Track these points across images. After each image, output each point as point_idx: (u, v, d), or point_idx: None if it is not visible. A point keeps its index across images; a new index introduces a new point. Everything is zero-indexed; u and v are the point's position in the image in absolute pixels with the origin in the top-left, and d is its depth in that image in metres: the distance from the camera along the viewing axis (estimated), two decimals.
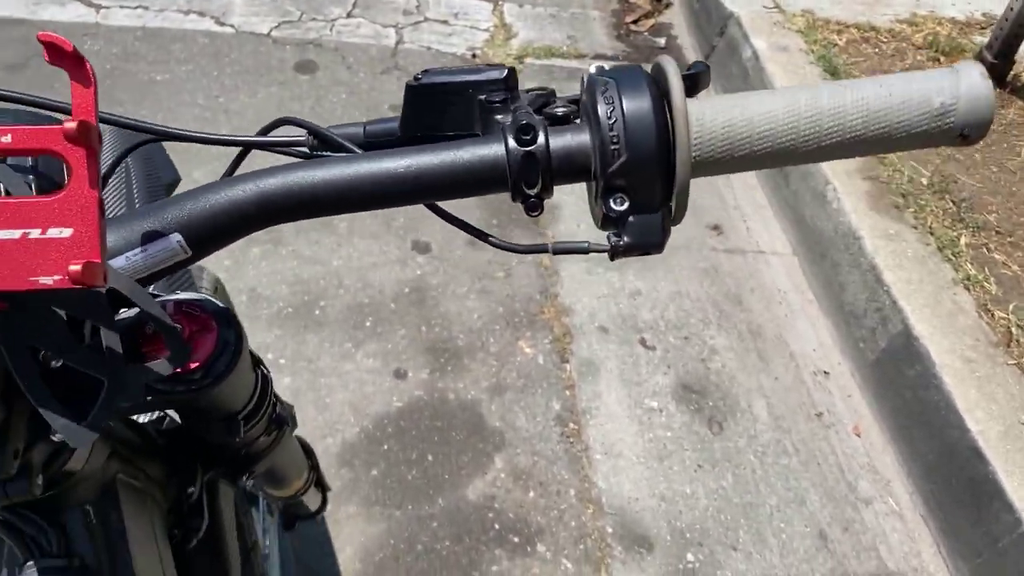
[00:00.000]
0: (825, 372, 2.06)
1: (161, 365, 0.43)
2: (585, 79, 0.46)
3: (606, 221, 0.46)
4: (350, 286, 2.15)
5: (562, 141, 0.45)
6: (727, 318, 2.17)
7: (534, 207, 0.46)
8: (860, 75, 2.70)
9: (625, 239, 0.45)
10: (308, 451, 1.11)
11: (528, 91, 0.50)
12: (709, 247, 2.37)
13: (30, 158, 0.40)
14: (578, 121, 0.47)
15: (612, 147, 0.43)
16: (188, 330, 0.54)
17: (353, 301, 2.12)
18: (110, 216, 0.41)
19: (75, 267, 0.34)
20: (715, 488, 1.80)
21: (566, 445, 1.85)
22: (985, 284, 1.96)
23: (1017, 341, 1.83)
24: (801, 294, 2.26)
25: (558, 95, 0.50)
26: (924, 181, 2.29)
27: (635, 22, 3.39)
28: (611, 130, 0.43)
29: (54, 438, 0.43)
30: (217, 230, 0.45)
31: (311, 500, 1.19)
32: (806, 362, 2.08)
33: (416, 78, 0.49)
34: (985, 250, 2.08)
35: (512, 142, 0.44)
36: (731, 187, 2.61)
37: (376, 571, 1.60)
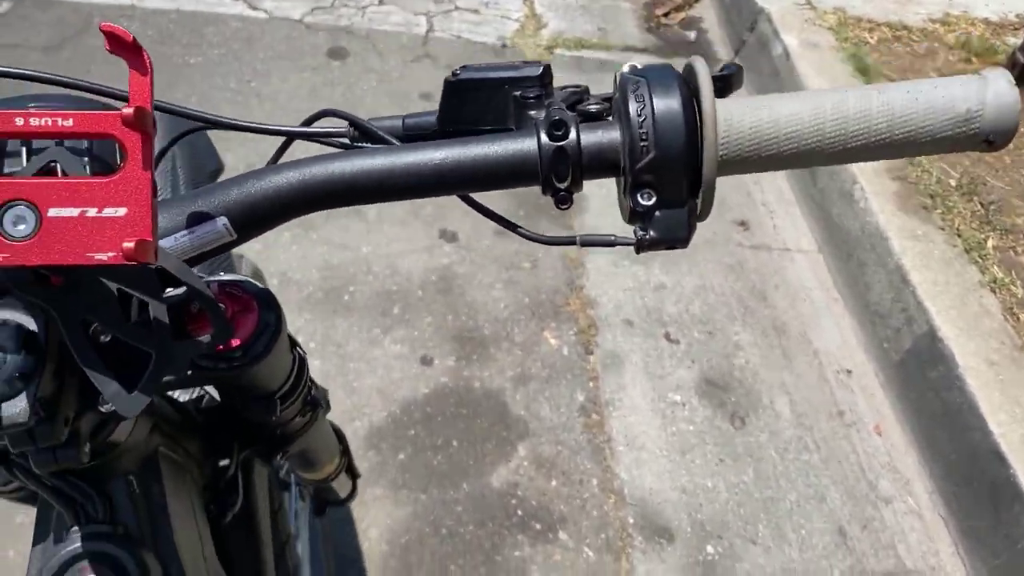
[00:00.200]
0: (848, 371, 2.07)
1: (206, 341, 0.46)
2: (617, 77, 0.48)
3: (633, 215, 0.47)
4: (379, 273, 2.18)
5: (593, 137, 0.47)
6: (752, 314, 2.18)
7: (564, 200, 0.48)
8: (891, 74, 2.70)
9: (651, 233, 0.47)
10: (340, 436, 1.14)
11: (562, 88, 0.52)
12: (735, 242, 2.38)
13: (86, 141, 0.43)
14: (610, 118, 0.49)
15: (641, 144, 0.45)
16: (231, 310, 0.57)
17: (381, 288, 2.14)
18: (159, 199, 0.43)
19: (128, 244, 0.36)
20: (736, 482, 1.82)
21: (589, 436, 1.88)
22: (1012, 287, 1.97)
23: None
24: (826, 292, 2.27)
25: (592, 93, 0.52)
26: (952, 183, 2.29)
27: (666, 15, 3.39)
28: (641, 127, 0.45)
29: (102, 409, 0.45)
30: (261, 215, 0.47)
31: (341, 486, 1.22)
32: (829, 360, 2.09)
33: (454, 73, 0.51)
34: (1012, 253, 2.08)
35: (544, 137, 0.46)
36: (759, 183, 2.62)
37: (402, 553, 1.64)
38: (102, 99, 0.50)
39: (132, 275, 0.40)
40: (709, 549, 1.70)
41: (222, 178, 1.14)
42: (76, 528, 0.54)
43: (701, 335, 2.11)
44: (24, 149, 0.43)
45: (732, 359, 2.06)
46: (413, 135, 0.54)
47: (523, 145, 0.47)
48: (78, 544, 0.53)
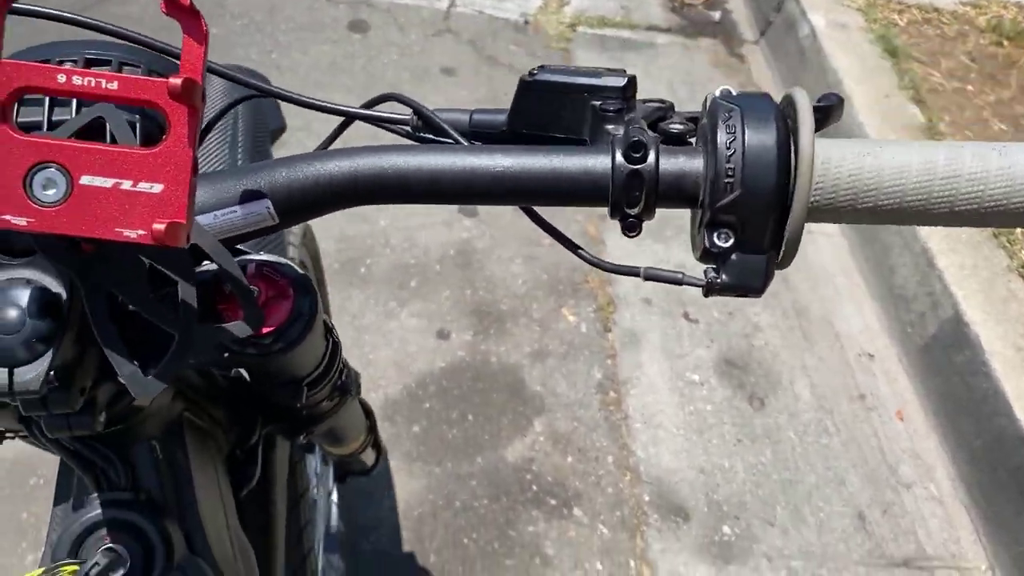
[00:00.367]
0: (870, 355, 2.04)
1: (235, 327, 0.43)
2: (708, 100, 0.44)
3: (706, 255, 0.43)
4: (396, 246, 2.16)
5: (673, 164, 0.43)
6: (773, 296, 2.15)
7: (632, 227, 0.44)
8: (920, 56, 2.65)
9: (724, 277, 0.43)
10: (368, 412, 1.12)
11: (645, 102, 0.47)
12: None
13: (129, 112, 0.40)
14: (693, 142, 0.45)
15: (726, 180, 0.41)
16: (265, 294, 0.54)
17: (399, 261, 2.13)
18: (206, 169, 0.40)
19: (159, 226, 0.34)
20: (754, 463, 1.80)
21: (606, 413, 1.86)
22: None
23: None
24: (849, 276, 2.24)
25: (676, 110, 0.48)
26: None
27: None
28: (728, 161, 0.41)
29: (122, 379, 0.43)
30: (307, 202, 0.44)
31: (366, 458, 1.20)
32: (851, 344, 2.06)
33: (531, 73, 0.47)
34: None
35: (620, 157, 0.42)
36: None
37: (414, 525, 1.62)
38: (165, 57, 0.47)
39: (164, 252, 0.38)
40: (726, 529, 1.68)
41: (283, 139, 1.12)
42: (97, 494, 0.52)
43: (721, 315, 2.08)
44: (74, 102, 0.41)
45: (752, 340, 2.04)
46: (479, 133, 0.50)
47: (596, 163, 0.43)
48: (98, 511, 0.51)
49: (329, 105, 0.51)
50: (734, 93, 0.43)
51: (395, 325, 1.98)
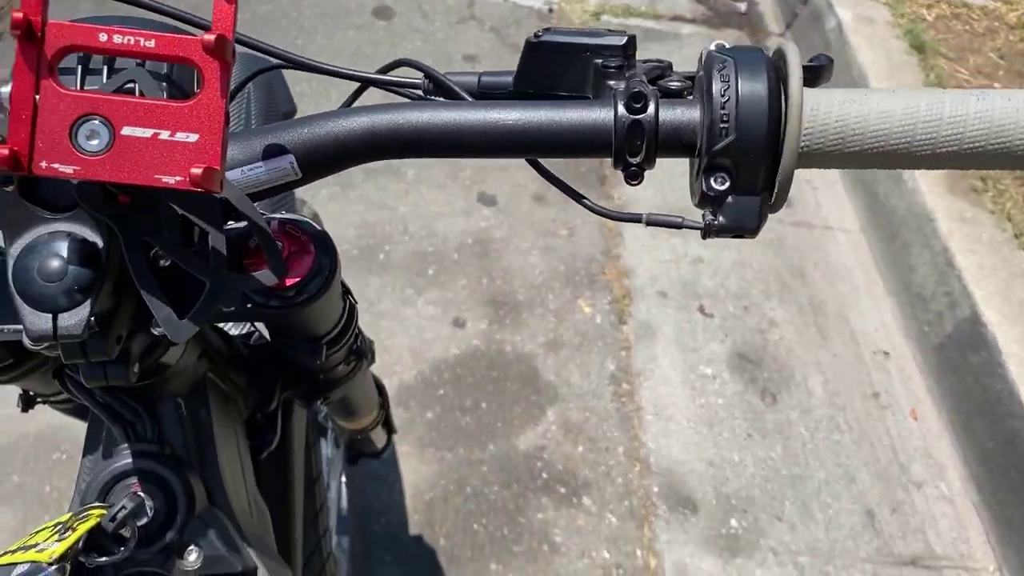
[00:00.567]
0: (885, 352, 2.04)
1: (261, 275, 0.46)
2: (703, 55, 0.46)
3: (704, 199, 0.46)
4: (415, 233, 2.18)
5: (671, 114, 0.45)
6: (789, 291, 2.15)
7: (634, 176, 0.46)
8: (948, 53, 2.62)
9: (720, 219, 0.45)
10: (381, 389, 1.15)
11: (645, 61, 0.50)
12: (776, 219, 2.34)
13: (165, 65, 0.42)
14: (690, 97, 0.48)
15: (721, 125, 0.43)
16: (287, 249, 0.57)
17: (417, 248, 2.15)
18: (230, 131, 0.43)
19: (196, 170, 0.36)
20: (764, 458, 1.80)
21: (618, 404, 1.87)
22: None
23: None
24: (866, 273, 2.23)
25: (675, 69, 0.50)
26: None
27: None
28: (723, 108, 0.43)
29: (154, 331, 0.45)
30: (328, 156, 0.47)
31: (377, 439, 1.23)
32: (867, 341, 2.06)
33: (536, 35, 0.50)
34: None
35: (622, 108, 0.45)
36: None
37: (425, 509, 1.65)
38: (186, 27, 0.49)
39: (196, 203, 0.40)
40: (733, 523, 1.70)
41: None
42: (125, 445, 0.55)
43: (736, 310, 2.09)
44: (105, 67, 0.43)
45: (766, 335, 2.04)
46: (488, 93, 0.53)
47: (599, 115, 0.46)
48: (127, 461, 0.54)
49: (345, 71, 0.54)
50: (727, 46, 0.46)
51: (412, 312, 2.00)
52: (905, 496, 1.77)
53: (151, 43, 0.36)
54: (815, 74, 0.47)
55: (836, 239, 2.31)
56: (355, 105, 0.51)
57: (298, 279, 0.56)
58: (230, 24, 0.36)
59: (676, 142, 0.46)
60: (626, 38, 0.49)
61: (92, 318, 0.41)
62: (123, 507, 0.51)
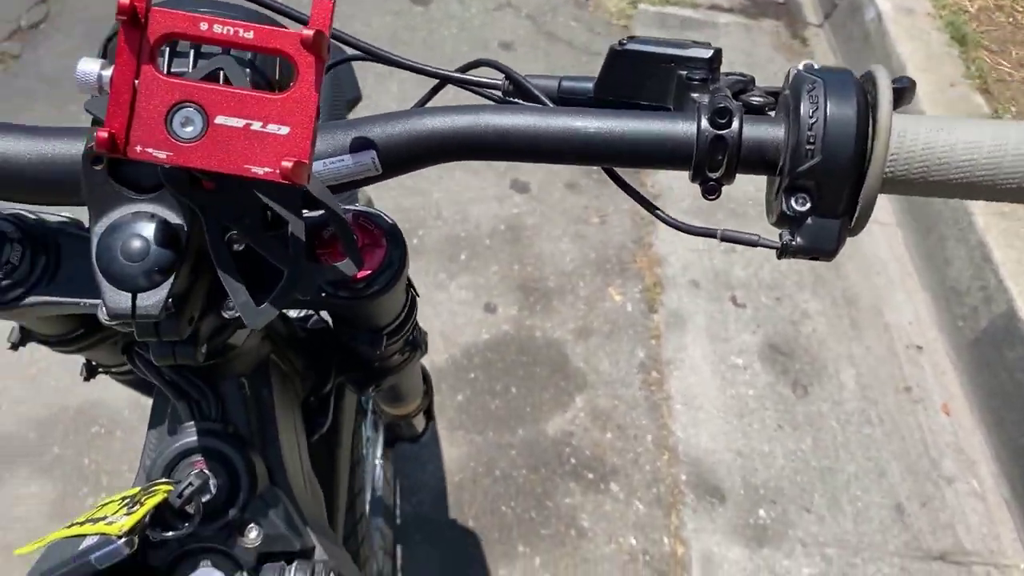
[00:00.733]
0: (919, 347, 2.02)
1: (343, 266, 0.46)
2: (791, 73, 0.46)
3: (782, 219, 0.46)
4: (448, 218, 2.20)
5: (755, 131, 0.45)
6: (822, 283, 2.14)
7: (712, 190, 0.47)
8: (990, 45, 2.58)
9: (798, 240, 0.45)
10: (426, 378, 1.16)
11: (727, 75, 0.50)
12: None
13: (250, 53, 0.43)
14: (772, 114, 0.48)
15: (807, 147, 0.43)
16: (361, 241, 0.58)
17: (450, 233, 2.16)
18: None
19: (287, 163, 0.37)
20: (793, 449, 1.80)
21: (647, 392, 1.87)
22: None
23: None
24: (901, 266, 2.21)
25: (757, 84, 0.51)
26: None
27: None
28: (810, 130, 0.43)
29: (224, 314, 0.47)
30: (409, 154, 0.47)
31: (417, 424, 1.25)
32: (900, 335, 2.04)
33: (621, 43, 0.50)
34: None
35: (705, 123, 0.45)
36: None
37: (454, 490, 1.67)
38: (276, 16, 0.50)
39: (280, 192, 0.41)
40: (761, 513, 1.70)
41: (356, 110, 1.16)
42: (191, 423, 0.57)
43: (768, 301, 2.08)
44: (192, 52, 0.43)
45: (799, 327, 2.03)
46: (568, 99, 0.54)
47: (681, 128, 0.46)
48: (192, 439, 0.56)
49: (425, 67, 0.54)
50: (816, 67, 0.46)
51: (444, 296, 2.01)
52: (935, 491, 1.76)
53: (250, 35, 0.37)
54: (898, 96, 0.47)
55: (871, 232, 2.29)
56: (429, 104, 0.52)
57: (369, 272, 0.57)
58: (328, 21, 0.37)
59: (758, 159, 0.46)
60: (712, 51, 0.49)
61: (170, 299, 0.42)
62: (190, 483, 0.52)
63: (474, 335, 1.95)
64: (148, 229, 0.42)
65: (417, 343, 0.77)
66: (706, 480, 1.74)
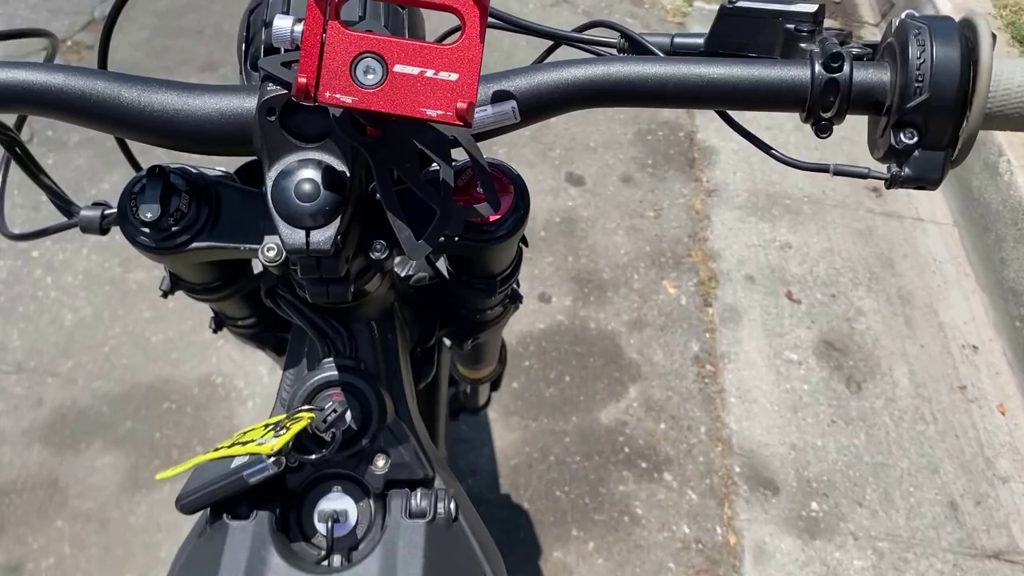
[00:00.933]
0: (974, 346, 2.01)
1: (482, 207, 0.51)
2: (896, 21, 0.51)
3: (890, 152, 0.50)
4: None
5: (864, 74, 0.50)
6: (877, 281, 2.14)
7: (824, 129, 0.51)
8: None
9: (906, 170, 0.50)
10: (504, 348, 1.21)
11: (828, 28, 0.55)
12: (866, 208, 2.33)
13: (383, 9, 0.47)
14: (875, 60, 0.52)
15: (916, 85, 0.48)
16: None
17: None
18: None
19: (462, 104, 0.41)
20: (847, 444, 1.81)
21: (701, 385, 1.89)
22: None
23: None
24: (957, 266, 2.20)
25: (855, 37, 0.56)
26: None
27: None
28: (918, 70, 0.47)
29: (372, 255, 0.52)
30: (546, 103, 0.52)
31: (482, 394, 1.29)
32: (955, 334, 2.04)
33: (731, 1, 0.55)
34: None
35: (819, 68, 0.50)
36: None
37: (510, 474, 1.71)
38: None
39: (434, 138, 0.45)
40: (814, 506, 1.71)
41: None
42: (330, 359, 0.62)
43: (824, 297, 2.09)
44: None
45: (853, 323, 2.03)
46: (680, 53, 0.59)
47: (796, 73, 0.50)
48: (330, 373, 0.61)
49: (541, 27, 0.60)
50: (918, 15, 0.51)
51: None
52: (990, 490, 1.76)
53: None
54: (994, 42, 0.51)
55: (927, 231, 2.29)
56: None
57: (499, 216, 0.61)
58: None
59: (867, 100, 0.50)
60: (817, 6, 0.54)
61: (337, 236, 0.46)
62: (333, 410, 0.57)
63: (529, 324, 1.98)
64: (318, 174, 0.46)
65: (516, 296, 0.82)
66: (759, 472, 1.75)
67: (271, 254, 0.49)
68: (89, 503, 1.61)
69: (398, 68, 0.41)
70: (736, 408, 1.85)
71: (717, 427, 1.82)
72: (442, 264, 0.76)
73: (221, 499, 0.55)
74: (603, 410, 1.84)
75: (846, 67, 0.49)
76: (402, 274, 0.77)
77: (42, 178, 0.63)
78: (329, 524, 0.57)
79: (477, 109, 0.50)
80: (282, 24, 0.43)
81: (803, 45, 0.53)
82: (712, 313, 2.03)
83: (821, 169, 0.55)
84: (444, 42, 0.41)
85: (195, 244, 0.54)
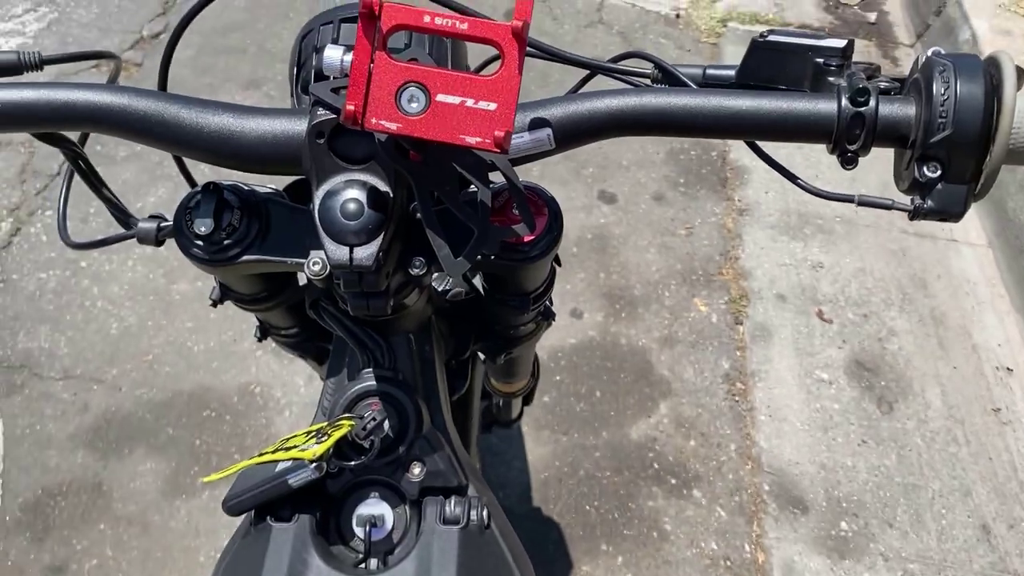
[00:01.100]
0: (1009, 369, 2.00)
1: (519, 228, 0.54)
2: (922, 58, 0.53)
3: (914, 185, 0.52)
4: None
5: (890, 109, 0.52)
6: (910, 301, 2.13)
7: (850, 161, 0.53)
8: None
9: (929, 203, 0.51)
10: (537, 362, 1.24)
11: (857, 63, 0.57)
12: (899, 228, 2.32)
13: (427, 41, 0.50)
14: (901, 96, 0.54)
15: (939, 120, 0.49)
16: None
17: None
18: None
19: (500, 133, 0.44)
20: (877, 465, 1.81)
21: (731, 403, 1.90)
22: None
23: None
24: (992, 287, 2.19)
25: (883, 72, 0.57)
26: None
27: None
28: (942, 106, 0.49)
29: (411, 271, 0.55)
30: (579, 131, 0.54)
31: (514, 407, 1.31)
32: (989, 356, 2.03)
33: (762, 35, 0.58)
34: None
35: (846, 102, 0.52)
36: None
37: (540, 487, 1.73)
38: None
39: (472, 163, 0.48)
40: (843, 525, 1.71)
41: None
42: (369, 370, 0.65)
43: (855, 317, 2.09)
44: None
45: (885, 344, 2.03)
46: (712, 84, 0.61)
47: (823, 106, 0.52)
48: (369, 383, 0.64)
49: (578, 57, 0.62)
50: (944, 52, 0.53)
51: None
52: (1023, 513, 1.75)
53: (465, 26, 0.44)
54: (1019, 77, 0.53)
55: (960, 252, 2.28)
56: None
57: (533, 236, 0.64)
58: (529, 15, 0.44)
59: (892, 134, 0.52)
60: (846, 41, 0.56)
61: (380, 253, 0.49)
62: (373, 418, 0.60)
63: (560, 339, 2.00)
64: (363, 194, 0.50)
65: (548, 313, 0.85)
66: (788, 491, 1.76)
67: (316, 268, 0.52)
68: (131, 507, 1.66)
69: (440, 97, 0.44)
70: (766, 426, 1.86)
71: (747, 445, 1.83)
72: (478, 280, 0.79)
73: (265, 502, 0.57)
74: (633, 426, 1.85)
75: (872, 101, 0.51)
76: (439, 289, 0.80)
77: (103, 191, 0.67)
78: (367, 528, 0.60)
79: (515, 135, 0.53)
80: (332, 54, 0.47)
81: (832, 79, 0.55)
82: (743, 331, 2.04)
83: (846, 199, 0.56)
84: (484, 73, 0.44)
85: (245, 257, 0.58)
